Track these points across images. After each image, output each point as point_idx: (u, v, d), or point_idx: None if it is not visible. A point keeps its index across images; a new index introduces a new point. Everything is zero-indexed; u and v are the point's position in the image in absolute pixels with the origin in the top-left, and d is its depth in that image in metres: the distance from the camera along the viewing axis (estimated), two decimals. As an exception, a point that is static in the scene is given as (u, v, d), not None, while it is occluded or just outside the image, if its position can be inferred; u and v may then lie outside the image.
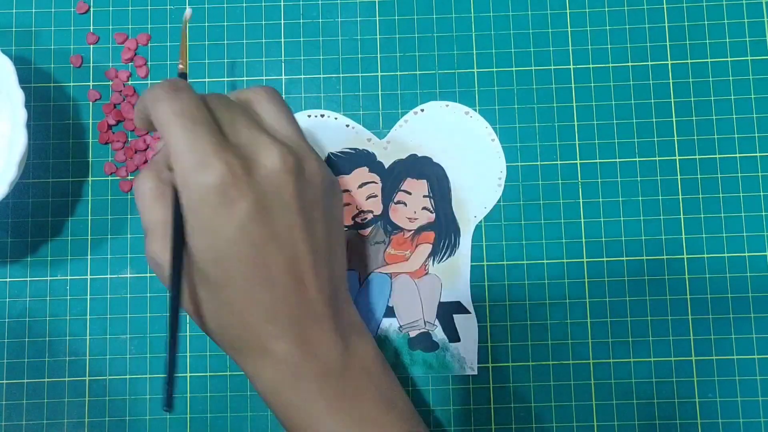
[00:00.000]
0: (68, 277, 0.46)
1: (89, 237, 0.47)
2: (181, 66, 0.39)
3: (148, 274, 0.46)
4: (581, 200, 0.47)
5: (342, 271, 0.37)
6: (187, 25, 0.41)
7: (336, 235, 0.37)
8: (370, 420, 0.34)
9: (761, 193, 0.47)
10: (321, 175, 0.35)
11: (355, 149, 0.47)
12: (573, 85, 0.48)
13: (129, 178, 0.47)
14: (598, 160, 0.47)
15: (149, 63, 0.48)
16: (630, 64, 0.48)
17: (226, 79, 0.48)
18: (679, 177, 0.47)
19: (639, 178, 0.47)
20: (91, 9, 0.49)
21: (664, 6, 0.49)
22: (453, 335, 0.46)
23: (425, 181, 0.47)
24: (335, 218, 0.37)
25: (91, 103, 0.48)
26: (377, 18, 0.49)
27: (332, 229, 0.36)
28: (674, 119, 0.48)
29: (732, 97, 0.48)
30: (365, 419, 0.34)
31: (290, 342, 0.33)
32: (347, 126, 0.48)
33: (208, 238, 0.32)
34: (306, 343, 0.34)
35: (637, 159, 0.47)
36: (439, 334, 0.46)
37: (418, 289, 0.46)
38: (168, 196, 0.34)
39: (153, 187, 0.34)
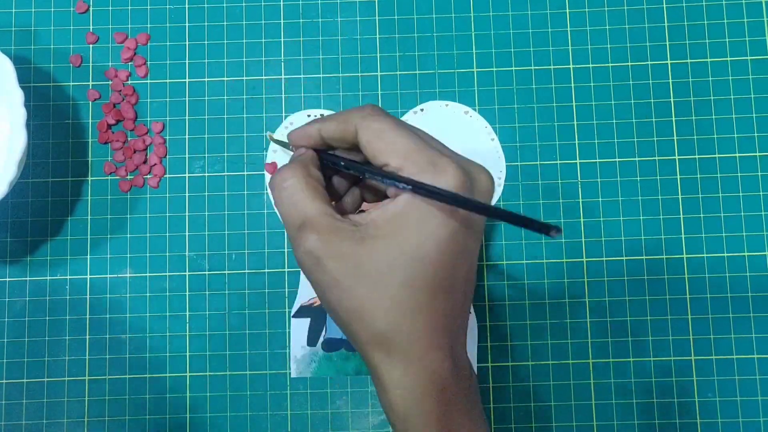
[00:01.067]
0: (68, 277, 0.46)
1: (89, 237, 0.47)
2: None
3: (147, 274, 0.46)
4: (581, 200, 0.47)
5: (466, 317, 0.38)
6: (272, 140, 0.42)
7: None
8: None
9: (761, 193, 0.47)
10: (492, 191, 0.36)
11: (354, 149, 0.47)
12: (572, 85, 0.48)
13: (128, 177, 0.47)
14: (597, 160, 0.47)
15: (149, 62, 0.48)
16: (629, 63, 0.48)
17: (225, 78, 0.48)
18: (678, 177, 0.47)
19: (638, 178, 0.47)
20: (91, 8, 0.49)
21: (664, 6, 0.49)
22: (453, 335, 0.46)
23: (425, 180, 0.47)
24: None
25: (90, 102, 0.48)
26: (377, 18, 0.49)
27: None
28: (674, 119, 0.48)
29: (731, 96, 0.48)
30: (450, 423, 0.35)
31: (446, 353, 0.33)
32: (347, 126, 0.48)
33: (420, 235, 0.32)
34: (455, 357, 0.34)
35: (637, 159, 0.47)
36: (438, 333, 0.46)
37: (417, 289, 0.46)
38: (320, 191, 0.34)
39: (305, 181, 0.34)
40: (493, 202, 0.47)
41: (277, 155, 0.48)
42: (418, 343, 0.33)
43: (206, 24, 0.49)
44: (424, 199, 0.32)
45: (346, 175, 0.37)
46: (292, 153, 0.37)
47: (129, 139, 0.48)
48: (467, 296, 0.34)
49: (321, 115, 0.48)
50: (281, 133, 0.48)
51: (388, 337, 0.33)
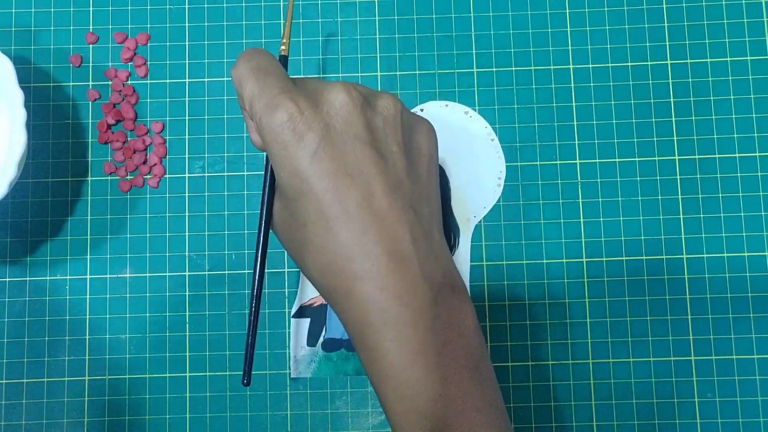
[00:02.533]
0: (67, 277, 0.46)
1: (88, 237, 0.47)
2: (283, 48, 0.39)
3: (147, 274, 0.46)
4: (581, 200, 0.47)
5: (435, 215, 0.35)
6: (293, 3, 0.40)
7: (426, 175, 0.35)
8: (454, 382, 0.32)
9: (760, 193, 0.47)
10: (396, 108, 0.34)
11: (354, 149, 0.47)
12: (572, 85, 0.48)
13: (128, 177, 0.47)
14: (597, 160, 0.47)
15: (149, 63, 0.48)
16: (629, 64, 0.48)
17: (225, 78, 0.48)
18: (678, 177, 0.47)
19: (638, 178, 0.47)
20: (91, 8, 0.49)
21: (664, 6, 0.49)
22: (452, 335, 0.46)
23: (425, 180, 0.47)
24: (422, 156, 0.35)
25: (90, 102, 0.48)
26: (377, 18, 0.49)
27: (416, 168, 0.34)
28: (674, 119, 0.48)
29: (731, 97, 0.48)
30: (449, 380, 0.32)
31: (373, 284, 0.32)
32: (347, 126, 0.48)
33: (286, 176, 0.33)
34: (390, 285, 0.32)
35: (637, 159, 0.47)
36: (438, 333, 0.46)
37: (417, 289, 0.46)
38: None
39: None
40: (494, 202, 0.47)
41: None
42: (338, 280, 0.32)
43: (206, 24, 0.49)
44: (271, 132, 0.33)
45: None
46: None
47: (129, 139, 0.48)
48: (384, 216, 0.32)
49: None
50: None
51: (314, 279, 0.34)
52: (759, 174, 0.47)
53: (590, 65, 0.48)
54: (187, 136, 0.48)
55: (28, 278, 0.46)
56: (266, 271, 0.47)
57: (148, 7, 0.49)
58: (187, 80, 0.48)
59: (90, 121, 0.48)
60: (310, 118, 0.32)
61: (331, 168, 0.32)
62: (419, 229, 0.33)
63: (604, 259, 0.47)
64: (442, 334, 0.33)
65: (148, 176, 0.47)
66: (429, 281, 0.33)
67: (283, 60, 0.39)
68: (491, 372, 0.35)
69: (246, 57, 0.35)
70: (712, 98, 0.48)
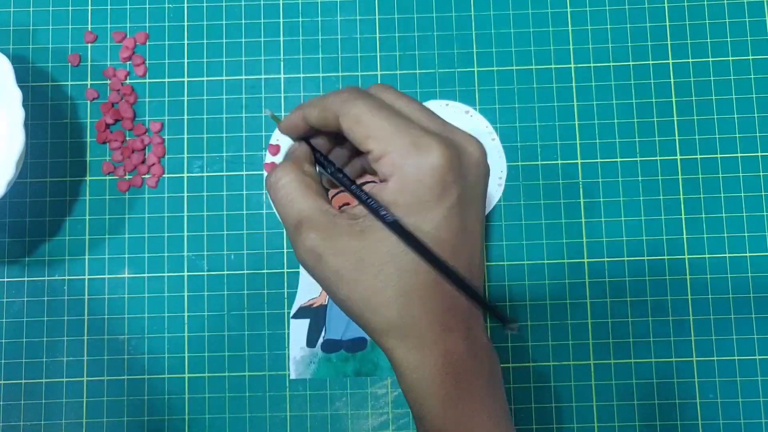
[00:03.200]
0: (66, 277, 0.46)
1: (87, 237, 0.47)
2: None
3: (145, 275, 0.46)
4: (582, 200, 0.47)
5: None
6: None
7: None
8: (499, 424, 0.34)
9: (762, 193, 0.47)
10: (488, 168, 0.35)
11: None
12: (574, 84, 0.48)
13: (127, 177, 0.47)
14: (599, 160, 0.47)
15: (147, 62, 0.48)
16: (631, 63, 0.48)
17: (224, 78, 0.48)
18: (680, 177, 0.47)
19: (640, 178, 0.47)
20: (89, 7, 0.49)
21: (666, 5, 0.49)
22: (453, 336, 0.45)
23: (425, 180, 0.47)
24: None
25: (88, 102, 0.48)
26: (377, 16, 0.49)
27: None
28: (675, 119, 0.48)
29: (733, 96, 0.48)
30: (499, 421, 0.34)
31: (461, 336, 0.33)
32: (347, 125, 0.47)
33: (415, 219, 0.32)
34: (471, 339, 0.33)
35: (638, 159, 0.47)
36: (438, 334, 0.45)
37: (417, 290, 0.46)
38: (315, 187, 0.34)
39: (299, 179, 0.34)
40: (494, 202, 0.47)
41: (281, 140, 0.47)
42: (430, 328, 0.33)
43: (205, 23, 0.48)
44: (415, 178, 0.32)
45: (346, 146, 0.37)
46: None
47: (127, 138, 0.48)
48: (475, 272, 0.34)
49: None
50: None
51: (399, 324, 0.33)
52: (761, 174, 0.47)
53: (591, 64, 0.48)
54: (185, 136, 0.48)
55: (26, 278, 0.46)
56: (265, 271, 0.46)
57: (147, 6, 0.49)
58: (185, 79, 0.48)
59: (88, 120, 0.48)
60: (457, 171, 0.32)
61: (458, 225, 0.32)
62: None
63: (606, 259, 0.47)
64: (495, 389, 0.34)
65: (146, 176, 0.47)
66: (485, 333, 0.35)
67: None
68: (506, 409, 0.36)
69: (362, 95, 0.33)
70: (713, 98, 0.48)
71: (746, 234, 0.47)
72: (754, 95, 0.48)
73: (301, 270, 0.46)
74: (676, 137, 0.48)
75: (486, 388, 0.34)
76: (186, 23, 0.48)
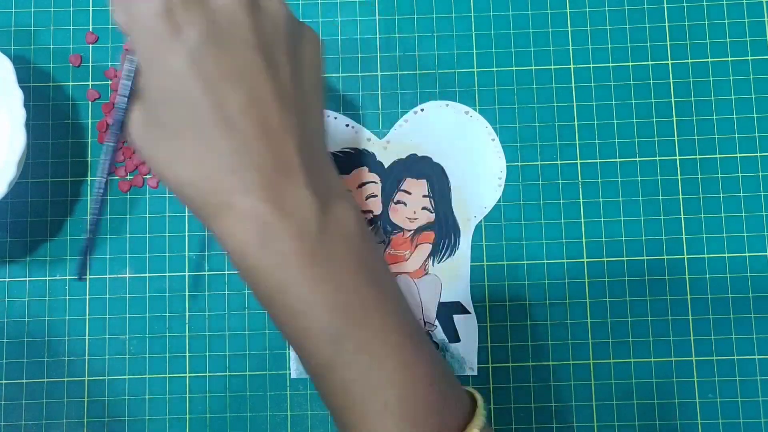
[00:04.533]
0: (67, 277, 0.46)
1: (87, 237, 0.47)
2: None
3: (147, 275, 0.46)
4: (581, 200, 0.47)
5: (318, 125, 0.33)
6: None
7: (309, 85, 0.33)
8: (349, 290, 0.30)
9: (761, 193, 0.47)
10: (284, 14, 0.32)
11: (354, 149, 0.47)
12: (573, 85, 0.48)
13: (128, 177, 0.47)
14: (598, 160, 0.47)
15: (148, 62, 0.48)
16: (630, 63, 0.48)
17: (225, 78, 0.48)
18: (679, 177, 0.47)
19: (639, 178, 0.47)
20: (91, 8, 0.49)
21: (665, 5, 0.49)
22: (453, 335, 0.46)
23: (425, 181, 0.47)
24: (307, 65, 0.33)
25: (90, 102, 0.48)
26: (377, 17, 0.49)
27: (303, 77, 0.32)
28: (675, 119, 0.48)
29: (732, 96, 0.48)
30: (343, 288, 0.30)
31: (257, 196, 0.30)
32: (347, 126, 0.48)
33: (156, 75, 0.30)
34: (275, 198, 0.30)
35: (638, 159, 0.47)
36: (439, 334, 0.46)
37: (417, 290, 0.46)
38: None
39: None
40: (494, 202, 0.47)
41: None
42: (216, 195, 0.30)
43: (206, 24, 0.49)
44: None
45: None
46: None
47: (128, 139, 0.48)
48: (270, 125, 0.30)
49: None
50: None
51: (187, 195, 0.31)
52: (760, 174, 0.47)
53: (591, 65, 0.48)
54: (186, 136, 0.48)
55: (27, 278, 0.46)
56: None
57: (148, 7, 0.49)
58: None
59: (89, 120, 0.48)
60: (191, 10, 0.29)
61: (212, 70, 0.29)
62: (304, 139, 0.31)
63: (605, 259, 0.47)
64: (330, 244, 0.30)
65: (147, 176, 0.47)
66: (315, 192, 0.31)
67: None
68: (393, 281, 0.33)
69: None
70: (713, 98, 0.48)
71: (745, 234, 0.47)
72: (753, 96, 0.48)
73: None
74: (676, 137, 0.48)
75: (313, 253, 0.30)
76: (187, 24, 0.48)
